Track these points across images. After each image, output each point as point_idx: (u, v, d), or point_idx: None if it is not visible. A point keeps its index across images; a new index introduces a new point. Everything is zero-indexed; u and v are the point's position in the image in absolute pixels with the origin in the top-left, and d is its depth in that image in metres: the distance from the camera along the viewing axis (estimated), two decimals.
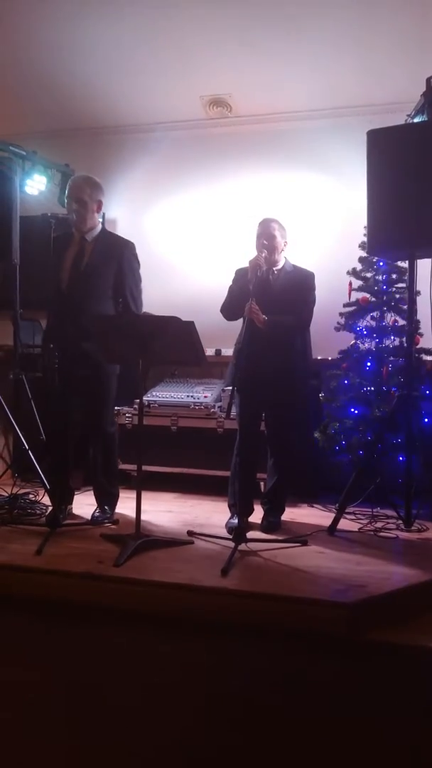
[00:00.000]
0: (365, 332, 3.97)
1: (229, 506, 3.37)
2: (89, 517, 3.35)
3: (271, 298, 3.19)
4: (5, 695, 1.97)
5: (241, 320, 3.12)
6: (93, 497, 3.48)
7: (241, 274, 3.31)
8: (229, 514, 3.34)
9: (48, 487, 3.49)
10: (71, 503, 3.50)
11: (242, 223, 4.68)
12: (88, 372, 3.24)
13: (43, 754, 1.67)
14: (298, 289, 3.26)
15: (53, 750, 1.69)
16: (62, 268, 3.26)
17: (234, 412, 3.04)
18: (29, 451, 3.68)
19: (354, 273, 4.02)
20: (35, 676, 2.08)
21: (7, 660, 2.18)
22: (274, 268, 3.29)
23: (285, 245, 3.32)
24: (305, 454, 3.81)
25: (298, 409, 3.42)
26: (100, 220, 3.40)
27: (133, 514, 2.94)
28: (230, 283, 3.36)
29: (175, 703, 1.92)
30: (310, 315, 3.28)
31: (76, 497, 3.58)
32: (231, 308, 3.28)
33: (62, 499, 3.39)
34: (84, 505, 3.62)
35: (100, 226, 3.36)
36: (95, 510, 3.40)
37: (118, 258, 3.27)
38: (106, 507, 3.38)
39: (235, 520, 3.19)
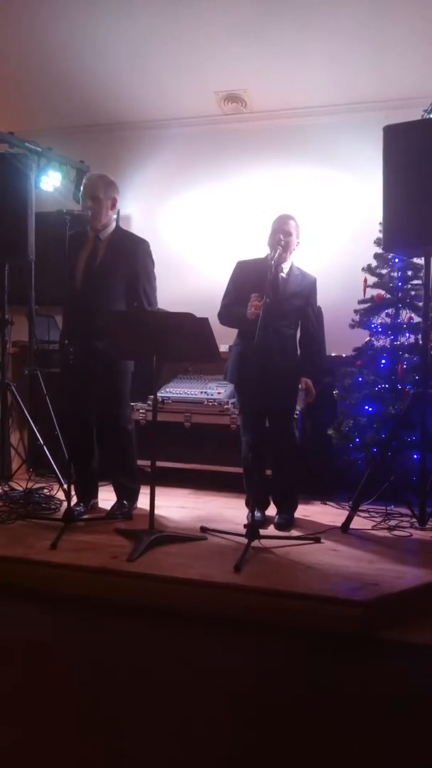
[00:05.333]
0: (380, 329, 3.94)
1: (246, 503, 3.37)
2: (106, 512, 3.37)
3: (280, 304, 3.17)
4: (17, 689, 1.98)
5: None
6: (111, 491, 3.51)
7: (243, 268, 3.28)
8: (245, 511, 3.34)
9: (63, 482, 3.52)
10: (96, 497, 3.53)
11: (256, 220, 4.67)
12: (102, 370, 3.25)
13: (52, 753, 1.68)
14: (306, 298, 3.29)
15: (62, 749, 1.70)
16: (76, 267, 3.27)
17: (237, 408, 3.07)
18: (44, 446, 3.72)
19: (369, 270, 3.99)
20: (47, 670, 2.10)
21: (21, 653, 2.20)
22: (283, 265, 3.24)
23: (297, 245, 3.29)
24: (317, 451, 3.80)
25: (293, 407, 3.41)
26: (115, 218, 3.40)
27: (146, 509, 2.96)
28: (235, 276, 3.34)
29: (186, 700, 1.93)
30: (323, 333, 3.44)
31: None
32: (232, 321, 3.29)
33: (87, 492, 3.44)
34: (101, 500, 3.65)
35: (114, 225, 3.35)
36: (114, 504, 3.42)
37: (131, 256, 3.27)
38: (125, 501, 3.41)
39: (258, 514, 3.22)
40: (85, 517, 3.28)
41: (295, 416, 3.44)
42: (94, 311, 3.15)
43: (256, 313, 2.97)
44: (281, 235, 3.18)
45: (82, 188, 3.29)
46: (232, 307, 3.26)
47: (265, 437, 3.32)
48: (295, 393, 3.32)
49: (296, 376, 3.28)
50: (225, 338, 4.00)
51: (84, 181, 3.33)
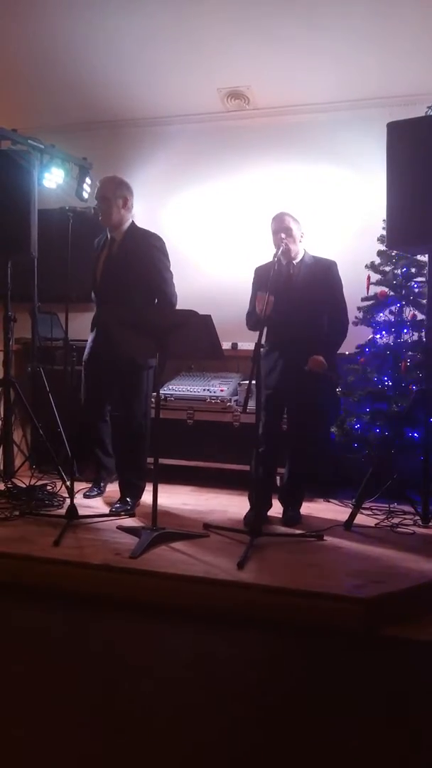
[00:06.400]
0: (383, 327, 3.93)
1: (249, 499, 3.37)
2: (106, 511, 3.37)
3: (293, 293, 3.18)
4: (20, 685, 1.99)
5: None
6: (114, 486, 3.54)
7: (260, 273, 3.29)
8: (248, 507, 3.34)
9: (66, 478, 3.54)
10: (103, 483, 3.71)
11: (260, 217, 4.66)
12: (121, 364, 3.31)
13: (53, 750, 1.68)
14: (323, 282, 3.24)
15: (63, 745, 1.70)
16: (97, 266, 3.45)
17: (252, 406, 3.04)
18: (47, 443, 3.73)
19: (372, 267, 3.99)
20: (49, 666, 2.10)
21: (24, 650, 2.21)
22: (294, 261, 3.26)
23: (302, 236, 3.29)
24: (324, 449, 3.79)
25: (318, 406, 3.40)
26: (130, 217, 3.47)
27: (149, 506, 2.96)
28: (249, 280, 3.35)
29: (189, 696, 1.93)
30: (347, 315, 3.31)
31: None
32: (253, 324, 3.26)
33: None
34: (101, 498, 3.66)
35: (128, 223, 3.44)
36: (117, 500, 3.44)
37: (141, 253, 3.35)
38: (128, 498, 3.41)
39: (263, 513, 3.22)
40: (88, 514, 3.28)
41: (322, 413, 3.43)
42: (111, 307, 3.27)
43: (261, 308, 3.00)
44: (282, 234, 3.21)
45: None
46: (251, 312, 3.29)
47: (280, 437, 3.32)
48: (317, 389, 3.28)
49: (320, 373, 3.24)
50: (228, 335, 4.01)
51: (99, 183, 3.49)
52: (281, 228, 3.22)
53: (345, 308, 3.31)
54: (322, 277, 3.25)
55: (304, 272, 3.25)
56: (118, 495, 3.54)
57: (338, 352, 3.90)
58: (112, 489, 3.77)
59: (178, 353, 3.25)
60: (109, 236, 3.45)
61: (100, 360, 3.39)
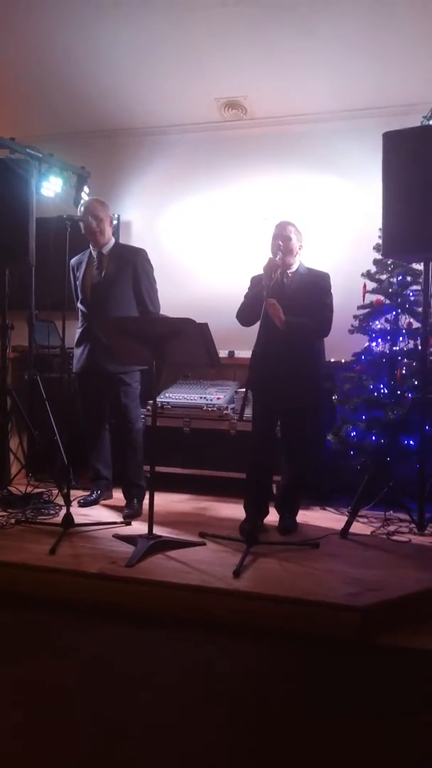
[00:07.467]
0: (379, 334, 3.95)
1: (245, 507, 3.37)
2: (102, 519, 3.37)
3: (285, 301, 3.20)
4: (16, 693, 1.98)
5: (257, 325, 3.12)
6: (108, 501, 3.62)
7: (256, 281, 3.32)
8: (244, 516, 3.34)
9: (62, 487, 3.56)
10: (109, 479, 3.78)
11: (256, 226, 4.69)
12: (116, 372, 3.51)
13: (51, 757, 1.68)
14: (314, 291, 3.25)
15: (61, 753, 1.70)
16: (85, 283, 3.61)
17: (248, 414, 3.04)
18: (44, 451, 3.73)
19: (368, 275, 4.00)
20: (46, 675, 2.09)
21: (19, 658, 2.20)
22: (289, 271, 3.29)
23: (300, 249, 3.32)
24: (319, 456, 3.80)
25: (313, 413, 3.41)
26: (112, 234, 3.74)
27: (146, 514, 2.96)
28: (245, 288, 3.37)
29: (184, 705, 1.93)
30: (329, 320, 3.25)
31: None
32: (245, 312, 3.29)
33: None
34: (98, 507, 3.66)
35: (113, 240, 3.70)
36: (125, 506, 3.55)
37: (132, 265, 3.59)
38: (135, 500, 3.55)
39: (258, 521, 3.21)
40: (84, 522, 3.28)
41: (317, 421, 3.43)
42: (106, 318, 3.42)
43: (267, 310, 3.04)
44: (280, 241, 3.23)
45: (83, 211, 3.59)
46: (244, 305, 3.33)
47: (274, 443, 3.33)
48: (313, 395, 3.32)
49: (313, 378, 3.28)
50: (225, 343, 4.02)
51: (83, 205, 3.65)
52: (281, 235, 3.26)
53: (330, 313, 3.25)
54: (314, 286, 3.27)
55: (297, 282, 3.28)
56: (114, 504, 3.60)
57: (334, 360, 3.93)
58: (108, 499, 3.79)
59: (175, 361, 3.27)
60: (94, 254, 3.62)
61: (95, 372, 3.54)
